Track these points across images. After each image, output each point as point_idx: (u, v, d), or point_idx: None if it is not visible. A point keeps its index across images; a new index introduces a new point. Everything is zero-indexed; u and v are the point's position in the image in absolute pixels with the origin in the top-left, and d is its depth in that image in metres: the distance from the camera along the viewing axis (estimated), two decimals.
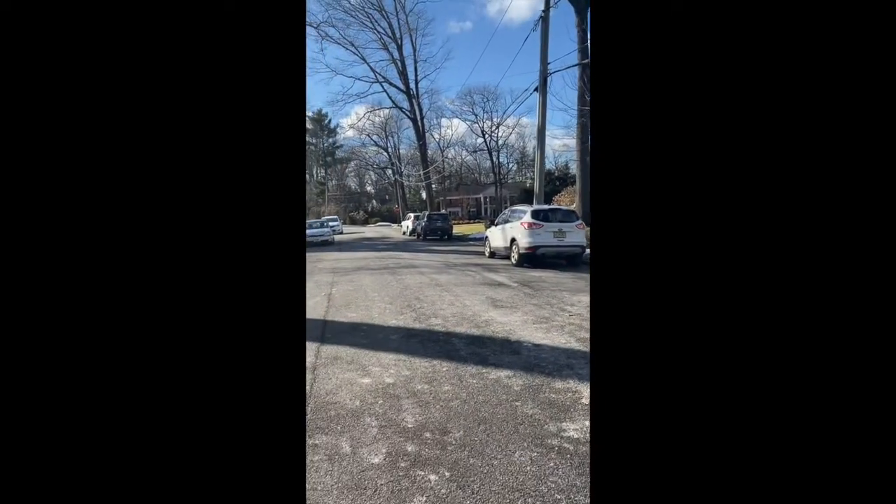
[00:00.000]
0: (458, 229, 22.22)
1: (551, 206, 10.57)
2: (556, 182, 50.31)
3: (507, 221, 10.21)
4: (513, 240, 9.52)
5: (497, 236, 10.62)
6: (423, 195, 60.86)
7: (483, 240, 16.70)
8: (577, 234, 9.10)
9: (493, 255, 11.14)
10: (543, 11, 12.37)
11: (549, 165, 55.99)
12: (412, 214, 25.04)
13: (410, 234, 23.60)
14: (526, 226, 9.05)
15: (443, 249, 14.67)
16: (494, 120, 52.32)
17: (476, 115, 53.10)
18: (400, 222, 47.86)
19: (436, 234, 19.93)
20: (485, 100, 54.68)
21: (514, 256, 9.41)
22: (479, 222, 37.63)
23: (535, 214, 9.17)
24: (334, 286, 7.35)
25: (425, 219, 20.33)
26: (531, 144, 57.66)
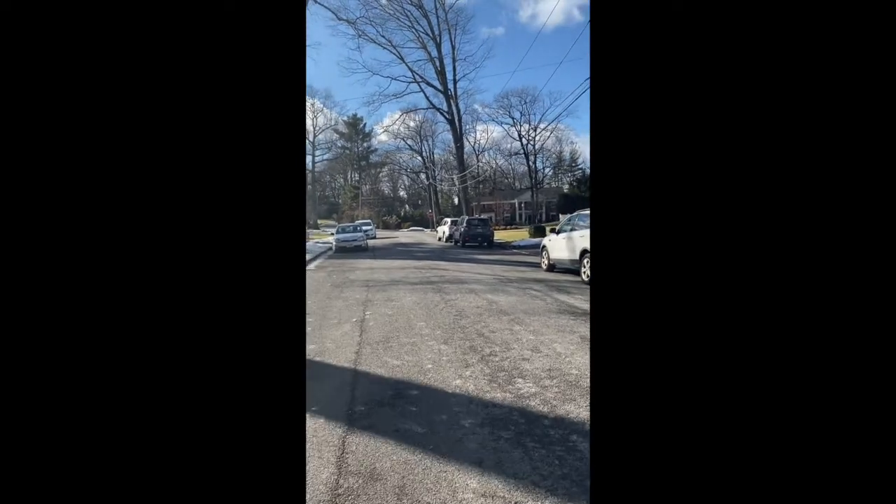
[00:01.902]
0: (497, 235, 20.49)
1: None
2: None
3: (574, 229, 8.42)
4: (584, 251, 7.73)
5: (560, 246, 8.84)
6: (456, 200, 59.55)
7: (533, 249, 15.27)
8: None
9: (552, 268, 9.36)
10: None
11: (584, 170, 53.54)
12: (448, 219, 23.47)
13: (447, 241, 22.01)
14: None
15: (487, 259, 12.96)
16: (532, 123, 50.49)
17: (513, 119, 51.45)
18: (433, 227, 46.52)
19: (476, 240, 18.25)
20: (522, 102, 52.85)
21: (587, 272, 7.62)
22: (515, 228, 35.76)
23: None
24: (368, 307, 5.79)
25: (464, 224, 18.66)
26: (568, 149, 55.40)
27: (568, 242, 8.45)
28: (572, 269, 8.41)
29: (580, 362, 3.43)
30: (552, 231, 9.44)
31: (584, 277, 7.67)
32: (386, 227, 51.98)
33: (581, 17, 64.05)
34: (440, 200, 53.22)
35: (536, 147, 50.81)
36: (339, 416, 2.57)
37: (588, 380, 3.06)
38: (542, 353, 3.69)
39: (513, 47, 70.88)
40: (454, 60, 32.08)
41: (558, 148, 54.15)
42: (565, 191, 52.61)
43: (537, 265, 10.45)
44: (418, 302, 6.11)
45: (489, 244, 18.29)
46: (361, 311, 5.63)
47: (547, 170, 56.47)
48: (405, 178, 66.87)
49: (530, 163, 52.18)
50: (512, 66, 71.86)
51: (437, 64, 31.64)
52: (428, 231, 42.68)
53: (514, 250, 16.21)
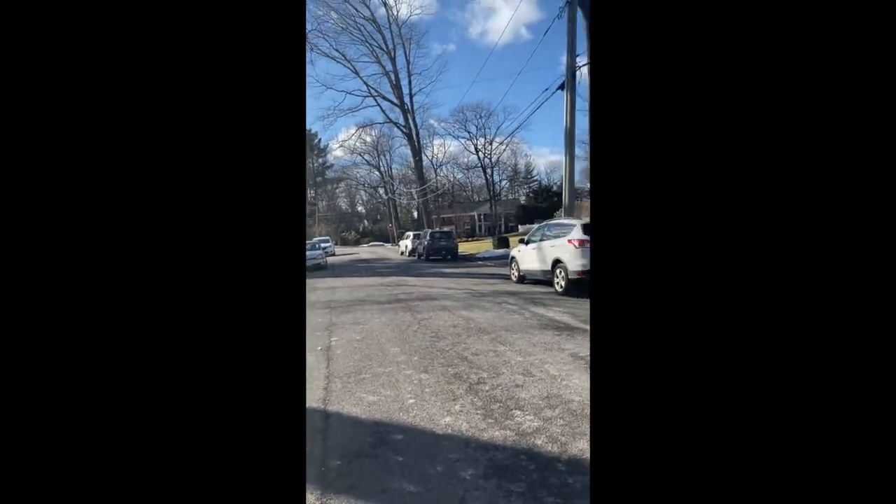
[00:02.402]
0: (461, 248, 20.21)
1: None
2: (553, 198, 48.97)
3: (543, 239, 8.24)
4: (556, 261, 7.54)
5: (530, 257, 8.63)
6: (416, 214, 59.20)
7: (499, 260, 15.05)
8: None
9: (522, 279, 9.14)
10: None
11: (540, 181, 54.83)
12: (410, 233, 23.03)
13: (410, 255, 21.53)
14: (577, 244, 7.08)
15: (454, 272, 12.61)
16: (488, 137, 51.25)
17: (469, 133, 52.02)
18: (394, 242, 45.82)
19: (439, 253, 17.89)
20: (478, 117, 53.69)
21: (560, 283, 7.41)
22: (477, 239, 35.79)
23: (587, 230, 7.21)
24: (333, 332, 5.26)
25: (427, 237, 18.28)
26: (522, 161, 56.50)
27: (539, 253, 8.25)
28: (544, 279, 8.21)
29: (579, 386, 3.10)
30: (521, 241, 9.24)
31: (558, 288, 7.47)
32: (345, 243, 50.74)
33: (529, 35, 66.63)
34: (399, 215, 52.70)
35: (493, 160, 51.55)
36: (310, 476, 2.09)
37: (582, 400, 2.73)
38: (535, 376, 3.33)
39: (465, 63, 72.24)
40: (409, 74, 31.98)
41: (514, 160, 55.16)
42: (522, 202, 53.56)
43: (506, 277, 10.21)
44: (388, 323, 5.63)
45: (453, 257, 17.99)
46: (326, 336, 5.09)
47: (504, 182, 57.35)
48: (363, 193, 65.93)
49: (488, 175, 52.83)
50: (465, 81, 73.14)
51: (393, 77, 31.41)
52: (388, 246, 41.93)
53: (480, 262, 15.98)
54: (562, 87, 11.12)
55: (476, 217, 50.29)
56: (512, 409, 2.74)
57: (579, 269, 6.99)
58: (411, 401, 2.97)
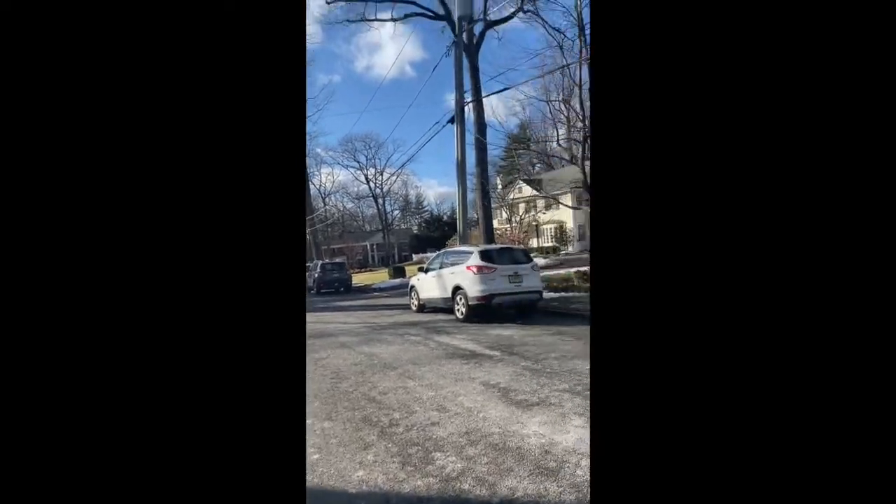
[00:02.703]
0: (354, 279, 19.46)
1: (500, 246, 8.99)
2: (445, 227, 50.56)
3: (443, 266, 8.26)
4: (457, 288, 7.57)
5: (430, 285, 8.57)
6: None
7: (396, 290, 14.65)
8: (533, 278, 7.53)
9: (422, 308, 9.01)
10: (456, 37, 11.33)
11: (431, 212, 56.45)
12: None
13: None
14: (475, 270, 7.20)
15: (350, 305, 12.02)
16: (378, 167, 51.49)
17: (359, 163, 51.73)
18: None
19: (332, 286, 17.02)
20: (367, 147, 53.76)
21: (461, 309, 7.43)
22: (370, 270, 35.08)
23: (485, 255, 7.40)
24: None
25: (318, 269, 17.29)
26: (413, 192, 57.74)
27: (439, 281, 8.23)
28: (444, 307, 8.18)
29: (496, 416, 2.99)
30: (420, 270, 9.16)
31: (459, 315, 7.47)
32: None
33: (413, 73, 69.70)
34: None
35: (384, 190, 51.76)
36: None
37: (514, 438, 2.62)
38: (450, 411, 3.15)
39: (351, 94, 72.50)
40: None
41: (405, 191, 56.07)
42: (415, 231, 54.34)
43: (405, 307, 10.00)
44: None
45: (347, 289, 17.24)
46: None
47: (395, 212, 57.78)
48: None
49: (379, 205, 52.76)
50: (351, 111, 73.24)
51: None
52: None
53: (376, 293, 15.53)
54: (451, 120, 11.58)
55: (368, 247, 49.51)
56: (431, 452, 2.51)
57: (478, 294, 7.09)
58: (315, 456, 2.56)
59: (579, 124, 10.95)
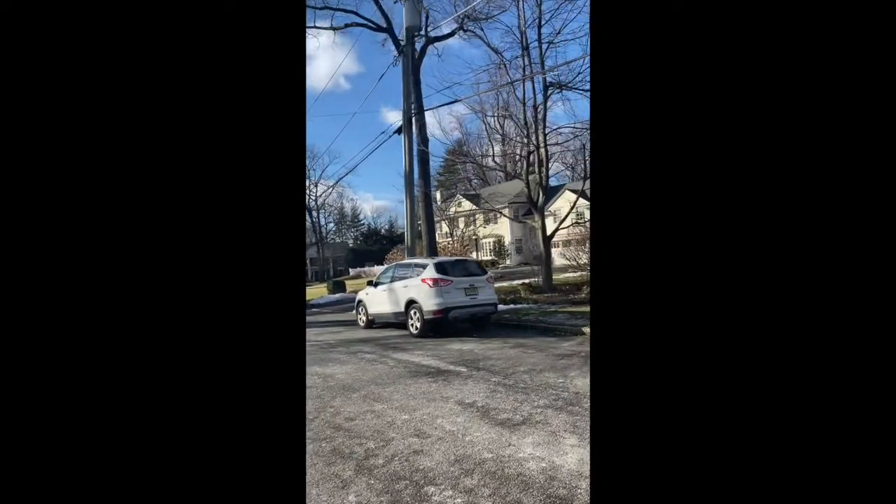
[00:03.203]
0: None
1: (455, 258, 8.79)
2: (383, 241, 49.79)
3: (395, 279, 7.93)
4: (410, 302, 7.27)
5: (380, 299, 8.18)
6: None
7: (337, 306, 13.95)
8: (488, 290, 7.43)
9: (371, 324, 8.57)
10: (404, 46, 11.20)
11: (368, 225, 55.45)
12: None
13: None
14: (430, 283, 6.96)
15: None
16: (313, 179, 49.77)
17: None
18: None
19: None
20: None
21: (415, 324, 7.13)
22: (307, 285, 33.47)
23: (440, 268, 7.19)
24: None
25: None
26: (349, 205, 56.33)
27: (390, 295, 7.87)
28: (395, 322, 7.83)
29: (484, 439, 2.76)
30: (369, 284, 8.73)
31: (413, 330, 7.17)
32: None
33: (347, 85, 69.01)
34: None
35: (319, 203, 50.09)
36: None
37: (511, 463, 2.40)
38: (431, 436, 2.87)
39: None
40: None
41: (340, 204, 54.54)
42: (352, 245, 52.94)
43: (351, 323, 9.48)
44: None
45: None
46: None
47: (330, 225, 56.01)
48: None
49: (314, 218, 50.90)
50: None
51: None
52: None
53: (315, 309, 14.70)
54: (398, 131, 11.38)
55: None
56: (423, 486, 2.21)
57: (435, 308, 6.85)
58: None
59: (524, 140, 11.18)
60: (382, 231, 52.80)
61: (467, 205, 30.99)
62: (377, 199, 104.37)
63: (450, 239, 27.94)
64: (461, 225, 30.48)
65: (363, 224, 56.97)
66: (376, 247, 48.04)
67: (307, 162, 48.63)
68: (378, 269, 39.84)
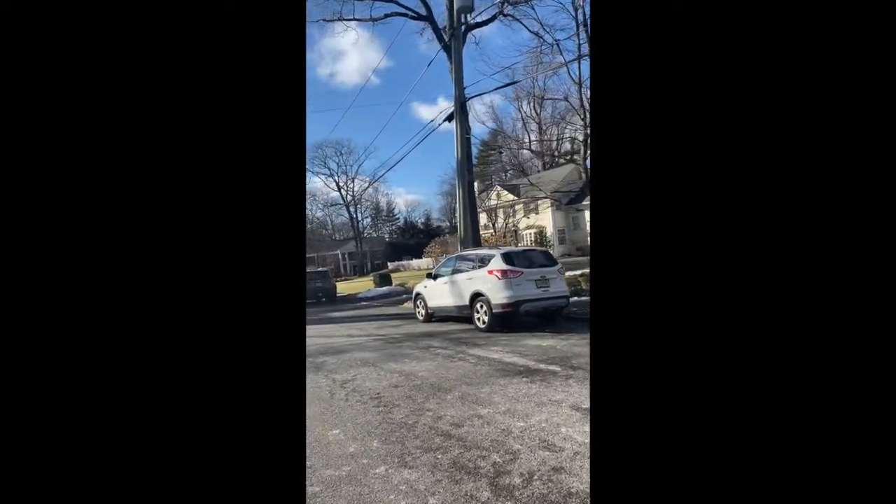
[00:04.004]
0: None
1: (524, 248, 8.37)
2: (419, 235, 49.80)
3: (456, 271, 7.58)
4: (476, 295, 6.90)
5: (441, 292, 7.86)
6: None
7: (385, 299, 13.79)
8: (560, 282, 6.96)
9: (430, 317, 8.28)
10: (454, 29, 10.76)
11: (405, 218, 55.49)
12: None
13: None
14: (499, 274, 6.56)
15: (343, 317, 11.11)
16: (349, 174, 50.33)
17: (330, 169, 50.42)
18: None
19: (315, 296, 15.97)
20: (338, 153, 52.50)
21: (483, 318, 6.76)
22: (345, 279, 33.85)
23: (508, 258, 6.77)
24: None
25: None
26: (384, 199, 56.49)
27: (452, 287, 7.53)
28: (459, 315, 7.50)
29: None
30: (428, 276, 8.43)
31: (480, 324, 6.81)
32: None
33: (376, 80, 69.54)
34: None
35: (356, 198, 50.61)
36: None
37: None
38: (563, 449, 2.48)
39: (316, 100, 71.15)
40: None
41: (375, 198, 54.86)
42: (389, 239, 53.24)
43: (406, 316, 9.25)
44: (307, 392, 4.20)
45: (331, 299, 16.22)
46: None
47: (366, 220, 56.52)
48: None
49: (351, 212, 51.49)
50: (316, 111, 71.63)
51: None
52: None
53: (364, 302, 14.62)
54: (449, 118, 10.98)
55: (340, 256, 48.07)
56: None
57: (504, 301, 6.45)
58: None
59: (579, 123, 10.56)
60: (419, 225, 52.81)
61: (505, 195, 30.35)
62: (409, 194, 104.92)
63: (491, 230, 27.44)
64: (500, 216, 29.89)
65: (398, 218, 57.19)
66: (413, 241, 48.13)
67: (342, 157, 49.10)
68: (416, 262, 39.97)
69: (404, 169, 70.98)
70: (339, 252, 48.79)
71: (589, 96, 10.01)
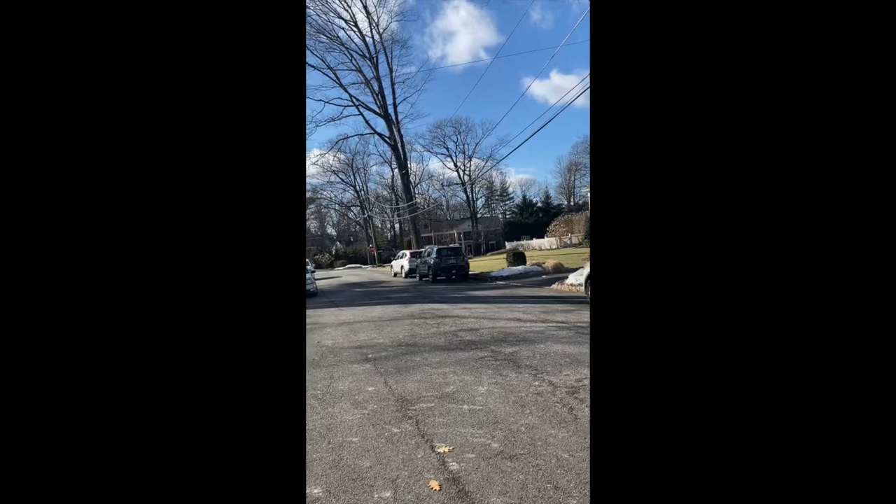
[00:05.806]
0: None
1: None
2: (539, 213, 47.62)
3: None
4: None
5: None
6: (389, 235, 56.51)
7: (522, 278, 12.59)
8: None
9: None
10: None
11: (517, 198, 53.40)
12: (407, 252, 20.45)
13: (408, 275, 18.93)
14: None
15: (489, 296, 10.15)
16: (467, 153, 49.82)
17: (448, 149, 50.48)
18: (373, 263, 42.92)
19: (448, 273, 15.43)
20: (456, 132, 52.21)
21: None
22: (473, 258, 33.49)
23: None
24: (408, 415, 2.70)
25: (434, 255, 15.76)
26: (498, 178, 54.93)
27: None
28: None
29: None
30: None
31: None
32: (318, 266, 47.36)
33: (486, 56, 67.53)
34: (375, 236, 50.03)
35: (473, 177, 50.07)
36: None
37: None
38: None
39: (428, 83, 71.97)
40: (392, 83, 29.88)
41: (490, 178, 53.70)
42: (507, 218, 51.97)
43: (566, 299, 7.88)
44: (505, 395, 3.12)
45: (463, 277, 15.54)
46: (413, 433, 2.52)
47: (481, 199, 55.80)
48: (333, 214, 63.04)
49: (468, 192, 51.19)
50: (434, 101, 72.43)
51: (375, 86, 29.23)
52: (368, 268, 38.99)
53: (501, 282, 13.60)
54: None
55: (456, 235, 48.22)
56: None
57: None
58: None
59: None
60: (539, 203, 50.51)
61: None
62: (519, 173, 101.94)
63: None
64: None
65: (511, 197, 55.42)
66: (531, 220, 46.17)
67: (460, 136, 48.65)
68: (536, 241, 38.04)
69: (517, 150, 68.76)
70: (454, 232, 49.05)
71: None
